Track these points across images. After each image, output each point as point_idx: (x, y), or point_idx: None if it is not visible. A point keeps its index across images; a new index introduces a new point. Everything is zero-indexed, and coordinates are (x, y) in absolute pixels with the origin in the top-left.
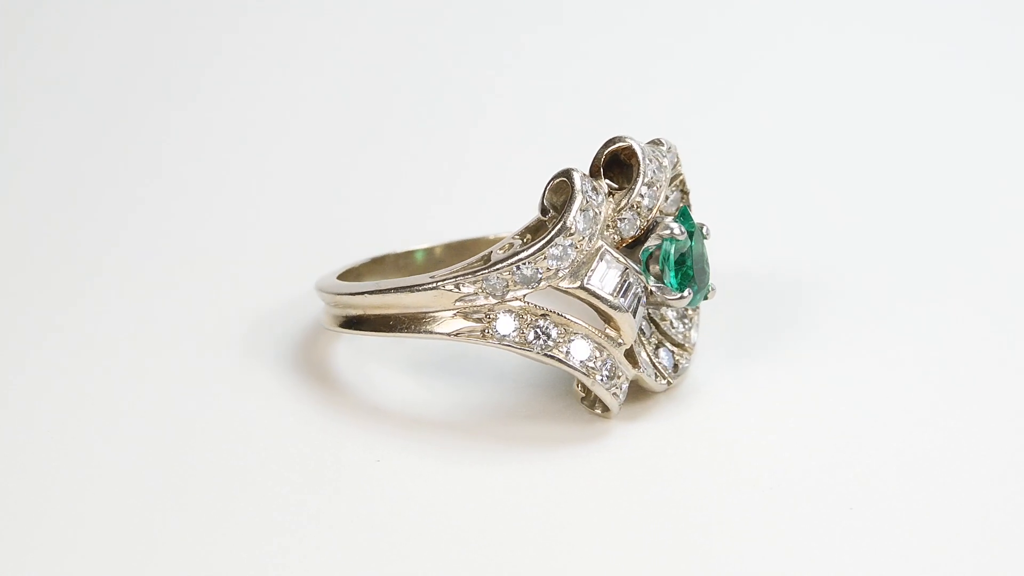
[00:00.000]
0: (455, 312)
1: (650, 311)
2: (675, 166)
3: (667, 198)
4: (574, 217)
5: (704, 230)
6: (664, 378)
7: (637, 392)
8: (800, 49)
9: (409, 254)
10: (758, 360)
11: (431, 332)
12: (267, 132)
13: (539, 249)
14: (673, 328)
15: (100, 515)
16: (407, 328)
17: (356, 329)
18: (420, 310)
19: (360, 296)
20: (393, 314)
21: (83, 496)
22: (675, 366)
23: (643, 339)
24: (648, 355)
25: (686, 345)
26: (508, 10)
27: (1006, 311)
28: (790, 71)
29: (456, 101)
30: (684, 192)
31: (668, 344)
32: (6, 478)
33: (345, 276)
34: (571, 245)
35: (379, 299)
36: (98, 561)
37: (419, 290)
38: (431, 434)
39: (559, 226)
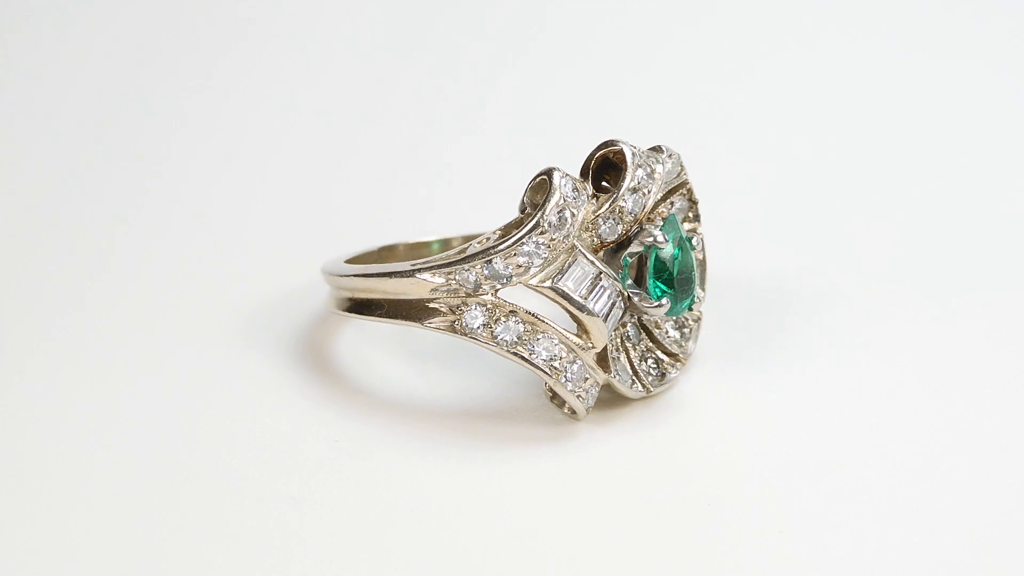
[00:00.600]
0: (431, 302)
1: (643, 318)
2: (679, 175)
3: (672, 204)
4: (548, 215)
5: (694, 240)
6: (642, 385)
7: (618, 397)
8: (796, 60)
9: (425, 244)
10: (748, 375)
11: (407, 320)
12: (276, 125)
13: (510, 245)
14: (668, 337)
15: (96, 508)
16: (387, 313)
17: (348, 311)
18: (399, 297)
19: (348, 279)
20: (375, 299)
21: (81, 488)
22: (662, 375)
23: (628, 344)
24: (630, 361)
25: (680, 355)
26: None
27: (1001, 327)
28: (785, 82)
29: (484, 101)
30: (693, 202)
31: (659, 352)
32: (18, 469)
33: (356, 261)
34: (543, 243)
35: (363, 283)
36: (95, 555)
37: (397, 277)
38: (401, 424)
39: (532, 223)
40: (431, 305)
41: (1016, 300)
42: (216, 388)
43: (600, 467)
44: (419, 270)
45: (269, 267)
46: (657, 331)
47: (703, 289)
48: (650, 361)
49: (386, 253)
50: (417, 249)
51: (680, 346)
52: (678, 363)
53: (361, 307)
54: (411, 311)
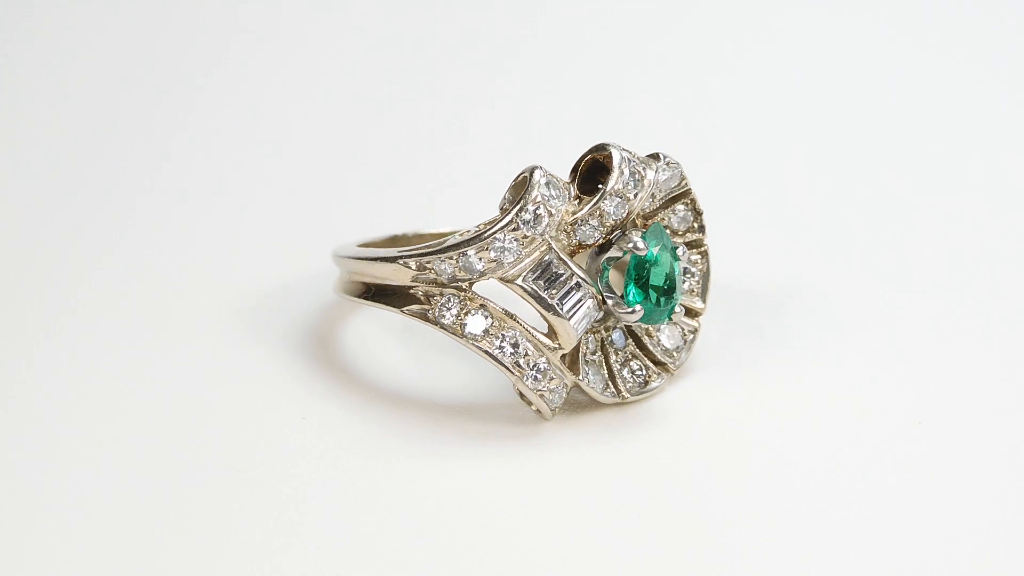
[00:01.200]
0: (411, 289)
1: (633, 325)
2: (680, 183)
3: (675, 213)
4: (522, 212)
5: (679, 251)
6: (616, 391)
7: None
8: (792, 68)
9: (440, 235)
10: (739, 383)
11: (387, 305)
12: (289, 117)
13: (484, 239)
14: (658, 346)
15: (97, 506)
16: (373, 297)
17: (346, 293)
18: (384, 282)
19: (347, 260)
20: (365, 282)
21: (81, 486)
22: (644, 383)
23: (609, 349)
24: (609, 366)
25: (668, 365)
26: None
27: (999, 328)
28: (782, 90)
29: (499, 103)
30: (697, 212)
31: (645, 360)
32: (19, 467)
33: (369, 247)
34: (516, 240)
35: (358, 265)
36: (96, 554)
37: (382, 262)
38: (380, 415)
39: (506, 220)
40: (411, 292)
41: (1012, 301)
42: (214, 383)
43: (554, 470)
44: (402, 257)
45: (272, 261)
46: (648, 339)
47: (704, 301)
48: (633, 367)
49: (397, 241)
50: (430, 240)
51: (671, 356)
52: (665, 372)
53: (356, 290)
54: (394, 296)
